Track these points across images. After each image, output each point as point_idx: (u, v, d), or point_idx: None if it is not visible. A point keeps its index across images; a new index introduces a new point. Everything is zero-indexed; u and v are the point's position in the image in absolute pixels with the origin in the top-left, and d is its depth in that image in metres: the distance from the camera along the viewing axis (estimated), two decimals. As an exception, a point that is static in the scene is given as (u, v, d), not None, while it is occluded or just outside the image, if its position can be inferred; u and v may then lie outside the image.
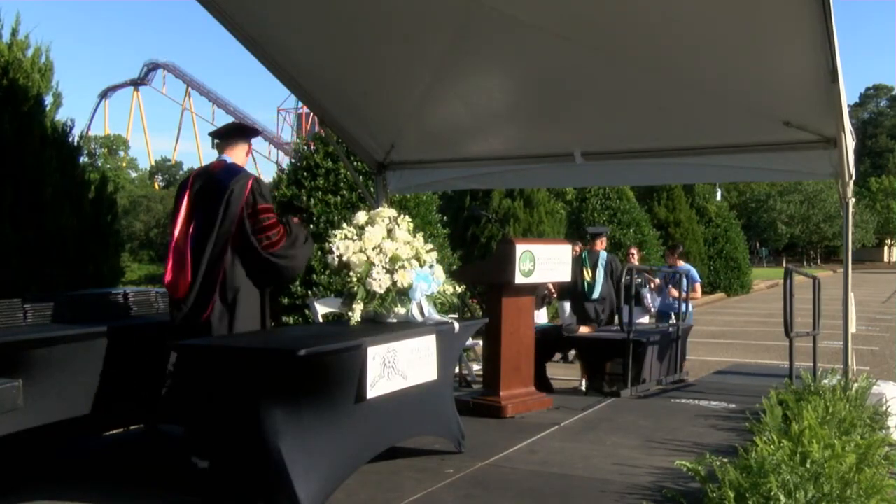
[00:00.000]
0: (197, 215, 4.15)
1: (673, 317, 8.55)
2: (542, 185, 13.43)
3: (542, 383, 7.19)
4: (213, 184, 4.20)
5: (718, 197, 30.61)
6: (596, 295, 8.33)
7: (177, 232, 4.14)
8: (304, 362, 3.22)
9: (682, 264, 9.25)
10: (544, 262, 5.71)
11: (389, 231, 4.23)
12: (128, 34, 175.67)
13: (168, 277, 4.14)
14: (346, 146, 7.62)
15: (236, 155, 4.38)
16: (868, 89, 79.60)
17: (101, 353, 4.17)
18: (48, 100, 6.77)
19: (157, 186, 65.34)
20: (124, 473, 4.23)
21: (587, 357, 7.48)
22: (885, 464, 3.65)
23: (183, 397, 4.39)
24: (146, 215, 46.02)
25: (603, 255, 8.74)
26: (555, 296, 9.97)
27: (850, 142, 5.55)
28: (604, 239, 8.98)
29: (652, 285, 9.04)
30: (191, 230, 4.13)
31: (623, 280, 7.34)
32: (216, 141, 4.41)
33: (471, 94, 6.14)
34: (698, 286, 9.53)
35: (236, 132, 4.49)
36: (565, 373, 8.89)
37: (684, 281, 8.39)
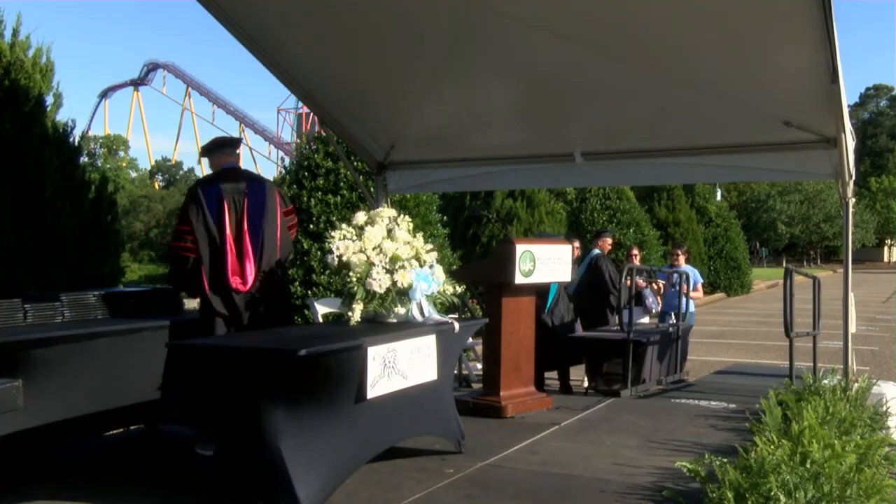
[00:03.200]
0: (248, 216, 4.59)
1: (673, 316, 8.55)
2: (542, 186, 13.42)
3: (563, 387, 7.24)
4: (252, 188, 4.67)
5: (718, 197, 30.57)
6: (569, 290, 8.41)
7: (228, 231, 4.52)
8: (304, 362, 3.22)
9: (684, 265, 9.23)
10: (544, 262, 5.71)
11: (389, 231, 4.23)
12: (128, 34, 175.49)
13: (233, 271, 4.52)
14: (346, 146, 7.62)
15: (235, 161, 4.87)
16: (868, 89, 79.50)
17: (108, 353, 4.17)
18: (49, 100, 6.79)
19: (157, 186, 65.30)
20: (124, 473, 4.24)
21: (587, 357, 7.47)
22: (885, 464, 3.65)
23: (184, 397, 4.42)
24: (146, 215, 46.03)
25: (592, 253, 8.76)
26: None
27: (850, 142, 5.55)
28: (604, 240, 8.99)
29: (655, 287, 9.03)
30: (245, 228, 4.56)
31: (623, 280, 7.33)
32: (211, 153, 4.84)
33: (471, 94, 6.14)
34: (700, 287, 9.51)
35: (227, 144, 4.97)
36: (565, 373, 8.87)
37: (690, 281, 8.40)
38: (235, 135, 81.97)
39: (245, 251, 4.54)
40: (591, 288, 8.55)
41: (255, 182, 4.79)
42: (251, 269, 4.55)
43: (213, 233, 4.51)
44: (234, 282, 4.50)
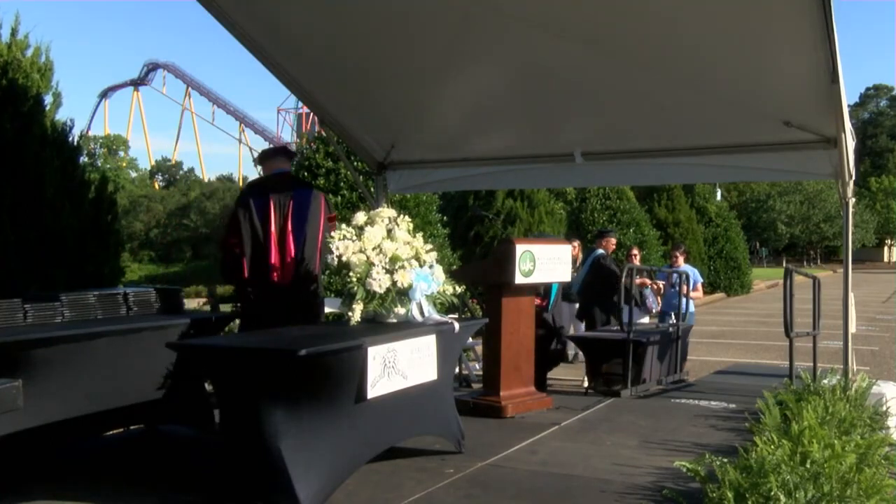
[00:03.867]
0: (292, 218, 4.89)
1: (673, 316, 8.56)
2: (543, 186, 13.43)
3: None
4: (298, 193, 5.01)
5: (718, 197, 30.54)
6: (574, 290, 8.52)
7: (273, 229, 4.85)
8: (304, 362, 3.22)
9: (683, 265, 9.24)
10: (544, 262, 5.70)
11: (389, 231, 4.23)
12: (128, 34, 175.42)
13: (275, 267, 4.86)
14: (347, 146, 7.62)
15: (287, 168, 5.26)
16: (868, 89, 79.37)
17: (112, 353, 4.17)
18: (48, 100, 6.78)
19: (157, 186, 65.27)
20: (124, 473, 4.23)
21: (587, 357, 7.47)
22: (885, 464, 3.65)
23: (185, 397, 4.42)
24: (146, 215, 46.00)
25: (595, 253, 8.78)
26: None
27: (850, 142, 5.55)
28: (607, 240, 9.02)
29: (654, 287, 9.04)
30: (289, 229, 4.86)
31: (623, 280, 7.33)
32: (267, 159, 5.23)
33: (471, 94, 6.14)
34: (700, 286, 9.51)
35: (283, 153, 5.36)
36: (566, 373, 8.89)
37: (690, 281, 8.41)
38: (235, 135, 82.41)
39: (287, 250, 4.86)
40: (593, 287, 8.57)
41: (301, 188, 5.16)
42: (292, 266, 4.85)
43: (257, 231, 4.85)
44: (275, 276, 4.84)
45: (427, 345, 4.03)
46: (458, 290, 4.50)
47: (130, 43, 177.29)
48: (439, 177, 7.28)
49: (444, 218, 11.12)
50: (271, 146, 5.37)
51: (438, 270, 4.31)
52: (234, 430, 3.56)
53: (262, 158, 5.27)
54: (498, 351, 5.62)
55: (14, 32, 6.66)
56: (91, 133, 63.80)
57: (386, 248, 4.11)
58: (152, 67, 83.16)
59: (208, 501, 3.60)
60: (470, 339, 6.09)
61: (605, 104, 5.93)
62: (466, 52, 5.53)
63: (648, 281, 8.97)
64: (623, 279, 7.29)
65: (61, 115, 6.92)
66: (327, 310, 6.35)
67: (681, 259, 9.23)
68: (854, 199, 5.91)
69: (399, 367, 3.78)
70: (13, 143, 6.13)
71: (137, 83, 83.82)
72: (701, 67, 5.20)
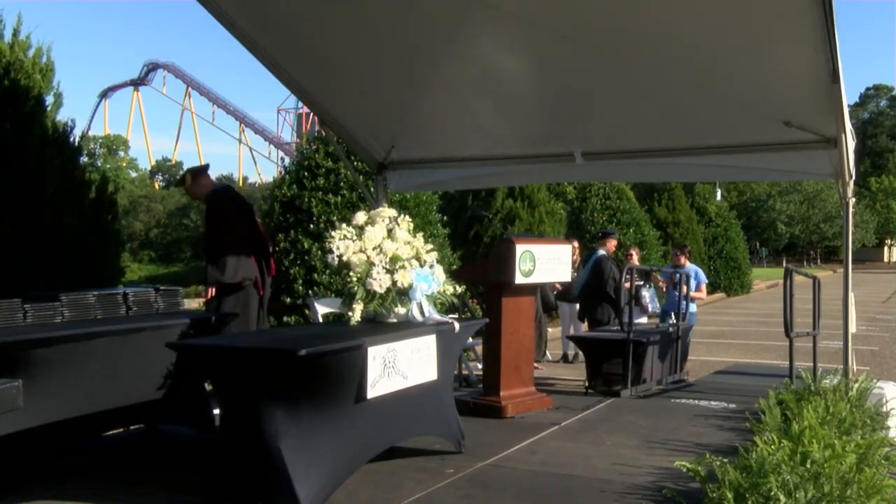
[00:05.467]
0: (251, 221, 5.98)
1: (673, 316, 8.55)
2: (543, 181, 13.38)
3: None
4: (243, 199, 6.23)
5: (718, 197, 30.52)
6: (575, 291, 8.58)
7: (251, 230, 5.90)
8: (304, 362, 3.22)
9: (688, 265, 9.23)
10: (544, 262, 5.70)
11: (389, 231, 4.23)
12: (128, 34, 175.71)
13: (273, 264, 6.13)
14: (346, 146, 7.62)
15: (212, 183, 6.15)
16: (868, 89, 79.34)
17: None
18: (49, 100, 6.79)
19: (157, 186, 65.26)
20: (124, 473, 4.24)
21: (587, 357, 7.47)
22: (885, 464, 3.65)
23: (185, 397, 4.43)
24: (146, 215, 46.01)
25: (597, 254, 8.80)
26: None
27: (850, 142, 5.54)
28: (609, 241, 9.03)
29: (659, 284, 9.05)
30: (261, 229, 6.00)
31: (623, 280, 7.34)
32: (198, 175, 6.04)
33: (472, 94, 6.13)
34: (703, 287, 9.51)
35: (207, 169, 6.20)
36: (566, 373, 8.89)
37: (692, 282, 8.41)
38: (235, 135, 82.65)
39: (265, 245, 5.83)
40: (595, 288, 8.59)
41: (244, 198, 6.35)
42: (272, 258, 5.92)
43: (244, 231, 5.73)
44: (273, 269, 5.94)
45: (427, 345, 4.03)
46: (458, 290, 4.50)
47: (130, 43, 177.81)
48: (439, 177, 7.27)
49: (444, 218, 11.10)
50: (202, 164, 6.41)
51: (438, 270, 4.31)
52: (234, 430, 3.56)
53: (197, 174, 5.99)
54: (498, 351, 5.61)
55: (16, 33, 6.67)
56: (91, 133, 63.82)
57: (386, 248, 4.11)
58: (152, 67, 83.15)
59: (208, 501, 3.60)
60: (470, 339, 6.09)
61: (605, 104, 5.92)
62: (467, 53, 5.53)
63: (638, 280, 8.96)
64: (623, 279, 7.30)
65: (62, 116, 6.95)
66: (327, 310, 6.35)
67: (685, 259, 9.24)
68: (854, 199, 5.91)
69: (399, 367, 3.78)
70: (14, 143, 6.14)
71: (137, 83, 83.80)
72: (701, 67, 5.19)
